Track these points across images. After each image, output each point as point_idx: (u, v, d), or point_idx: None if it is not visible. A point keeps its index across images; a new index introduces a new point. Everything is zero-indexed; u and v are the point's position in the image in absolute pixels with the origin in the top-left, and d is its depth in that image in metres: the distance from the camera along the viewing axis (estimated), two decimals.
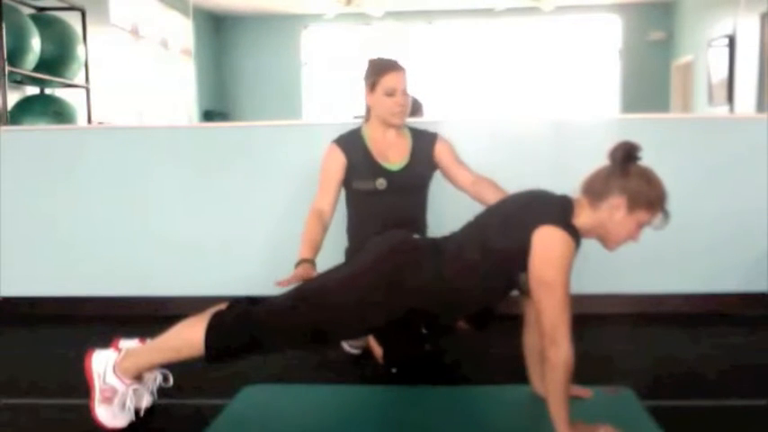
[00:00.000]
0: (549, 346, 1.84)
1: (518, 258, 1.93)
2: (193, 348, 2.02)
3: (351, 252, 2.81)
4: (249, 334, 2.02)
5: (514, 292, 2.13)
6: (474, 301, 2.13)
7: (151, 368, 2.16)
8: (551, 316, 1.85)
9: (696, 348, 2.92)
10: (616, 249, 2.02)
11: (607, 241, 2.00)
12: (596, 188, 1.96)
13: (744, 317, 3.35)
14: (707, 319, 3.32)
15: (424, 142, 2.84)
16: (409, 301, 2.04)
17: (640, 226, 1.96)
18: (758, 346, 2.96)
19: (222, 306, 2.10)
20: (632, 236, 1.97)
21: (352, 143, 2.79)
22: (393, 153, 2.79)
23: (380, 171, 2.75)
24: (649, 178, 1.94)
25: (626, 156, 1.92)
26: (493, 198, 2.58)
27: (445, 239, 2.16)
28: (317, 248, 2.56)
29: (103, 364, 2.11)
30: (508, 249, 1.96)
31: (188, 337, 2.04)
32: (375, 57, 2.81)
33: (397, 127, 2.79)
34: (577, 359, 1.86)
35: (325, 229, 2.67)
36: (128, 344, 2.21)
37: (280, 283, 2.23)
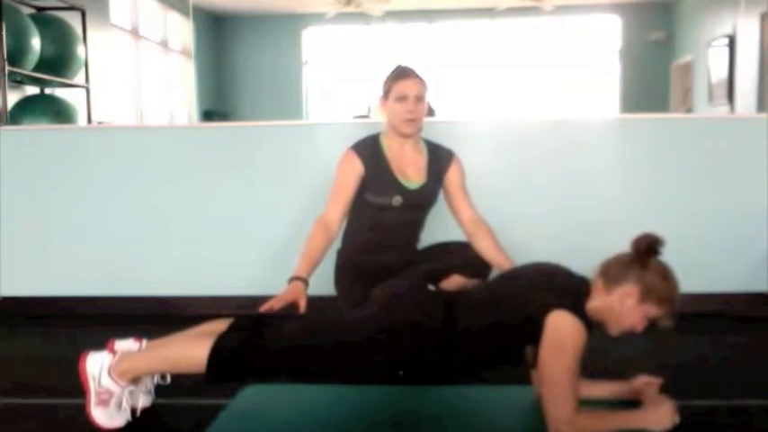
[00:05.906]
0: None
1: (528, 333, 1.95)
2: (193, 366, 2.00)
3: (344, 256, 2.75)
4: (253, 362, 2.01)
5: None
6: (474, 366, 2.14)
7: (146, 375, 2.15)
8: (557, 404, 1.84)
9: (696, 348, 2.92)
10: (617, 337, 2.03)
11: (611, 326, 2.02)
12: (613, 273, 1.98)
13: (744, 317, 3.35)
14: (707, 319, 3.31)
15: (439, 160, 2.73)
16: (411, 356, 2.06)
17: (646, 319, 1.98)
18: (759, 346, 2.96)
19: (223, 324, 2.09)
20: (636, 327, 1.99)
21: (371, 152, 2.66)
22: (412, 170, 2.68)
23: (399, 188, 2.64)
24: (666, 276, 1.97)
25: (648, 248, 1.95)
26: (486, 252, 2.57)
27: (458, 302, 2.14)
28: (314, 265, 2.45)
29: (98, 366, 2.09)
30: (520, 326, 1.97)
31: (189, 354, 2.02)
32: (397, 65, 2.69)
33: (411, 137, 2.67)
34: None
35: (329, 242, 2.55)
36: (123, 344, 2.20)
37: (264, 309, 2.19)
